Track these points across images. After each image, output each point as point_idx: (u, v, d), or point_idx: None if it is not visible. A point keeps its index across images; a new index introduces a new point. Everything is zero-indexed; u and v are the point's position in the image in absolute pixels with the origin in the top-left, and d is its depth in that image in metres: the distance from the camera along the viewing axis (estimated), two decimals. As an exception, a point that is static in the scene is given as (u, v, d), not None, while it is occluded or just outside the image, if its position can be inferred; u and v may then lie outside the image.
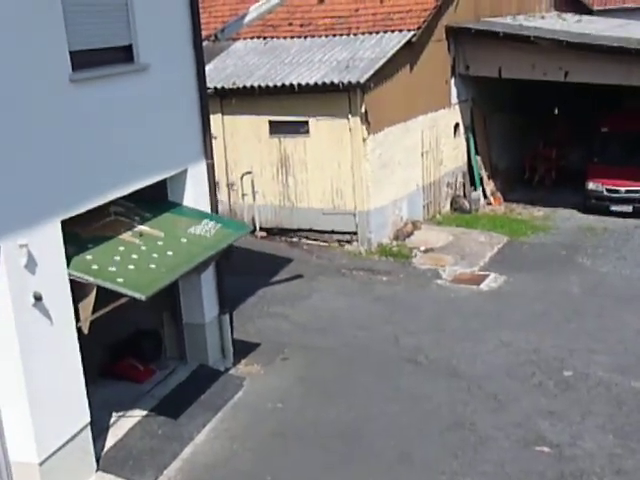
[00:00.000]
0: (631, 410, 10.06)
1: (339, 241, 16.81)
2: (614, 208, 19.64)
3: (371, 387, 10.77)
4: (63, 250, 8.00)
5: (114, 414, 9.75)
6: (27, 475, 7.90)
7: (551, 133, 23.56)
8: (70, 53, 7.98)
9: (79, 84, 8.14)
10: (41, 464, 7.87)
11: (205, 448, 9.33)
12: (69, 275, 8.07)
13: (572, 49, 18.24)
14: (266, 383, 10.89)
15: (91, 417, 8.59)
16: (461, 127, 20.15)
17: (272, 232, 17.29)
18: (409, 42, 16.89)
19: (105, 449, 9.08)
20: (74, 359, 8.31)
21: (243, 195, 17.26)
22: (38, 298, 7.62)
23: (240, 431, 9.69)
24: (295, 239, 17.12)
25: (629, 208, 19.52)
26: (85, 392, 8.48)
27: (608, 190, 19.76)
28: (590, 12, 28.33)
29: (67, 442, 8.19)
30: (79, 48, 8.12)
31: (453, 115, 19.74)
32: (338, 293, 14.33)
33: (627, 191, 19.61)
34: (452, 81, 19.53)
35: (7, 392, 7.71)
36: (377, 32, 17.47)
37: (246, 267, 14.38)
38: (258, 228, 17.01)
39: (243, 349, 11.68)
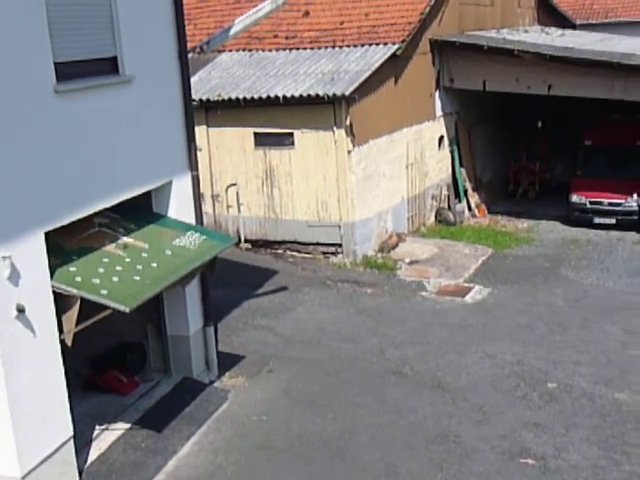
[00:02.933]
0: (615, 422, 10.11)
1: (324, 253, 16.81)
2: (597, 220, 19.79)
3: (356, 399, 10.76)
4: (47, 262, 7.96)
5: (97, 427, 9.69)
6: (9, 489, 7.85)
7: (535, 146, 23.71)
8: (55, 64, 7.98)
9: (64, 95, 8.13)
10: (23, 478, 7.80)
11: (189, 461, 9.28)
12: (53, 287, 8.03)
13: (555, 63, 18.42)
14: (251, 395, 10.86)
15: (74, 430, 8.53)
16: (445, 140, 20.27)
17: (257, 244, 17.28)
18: (394, 55, 16.99)
19: (88, 462, 9.01)
20: (57, 372, 8.26)
21: (228, 207, 17.27)
22: (21, 310, 7.58)
23: (224, 444, 9.65)
24: (280, 251, 17.11)
25: (612, 220, 19.68)
26: (68, 405, 8.42)
27: (591, 203, 19.92)
28: (573, 26, 28.67)
29: (50, 455, 8.13)
30: (64, 59, 8.13)
31: (438, 128, 19.85)
32: (323, 305, 14.33)
33: (610, 204, 19.77)
34: (437, 94, 19.65)
35: (-11, 405, 7.67)
36: (362, 45, 17.56)
37: (231, 279, 14.36)
38: (243, 240, 17.03)
39: (228, 361, 11.64)
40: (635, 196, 19.54)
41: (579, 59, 18.32)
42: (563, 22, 28.28)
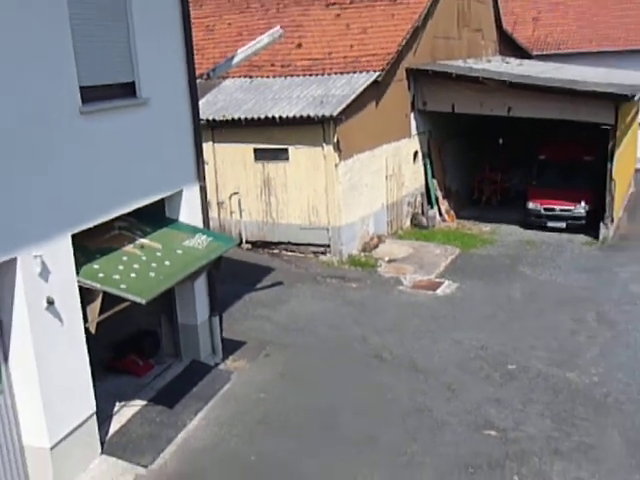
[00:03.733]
0: (566, 398, 10.17)
1: (314, 252, 16.82)
2: (550, 224, 19.88)
3: (343, 379, 10.78)
4: (73, 260, 7.96)
5: (117, 404, 9.68)
6: (39, 458, 7.83)
7: (496, 160, 23.79)
8: (80, 88, 7.97)
9: (88, 115, 8.12)
10: (52, 448, 7.81)
11: (197, 434, 9.28)
12: (78, 282, 8.04)
13: (514, 88, 18.50)
14: (251, 376, 10.86)
15: (97, 407, 8.53)
16: (419, 154, 20.29)
17: (256, 245, 17.28)
18: (375, 81, 17.02)
19: (109, 435, 9.01)
20: (82, 355, 8.25)
21: (231, 212, 17.28)
22: (51, 302, 7.58)
23: (228, 418, 9.65)
24: (276, 251, 17.11)
25: (563, 224, 19.78)
26: (91, 384, 8.42)
27: (545, 209, 20.01)
28: (530, 56, 28.82)
29: (75, 429, 8.13)
30: (88, 84, 8.12)
31: (413, 144, 19.88)
32: (313, 298, 14.34)
33: (561, 210, 19.88)
34: (412, 115, 19.67)
35: (22, 384, 7.65)
36: (347, 72, 17.58)
37: (234, 275, 14.35)
38: (244, 241, 17.03)
39: (231, 347, 11.64)
40: (583, 203, 19.66)
41: (535, 85, 18.42)
42: (521, 53, 28.43)
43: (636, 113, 24.52)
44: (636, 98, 19.07)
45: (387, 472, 8.45)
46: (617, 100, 17.77)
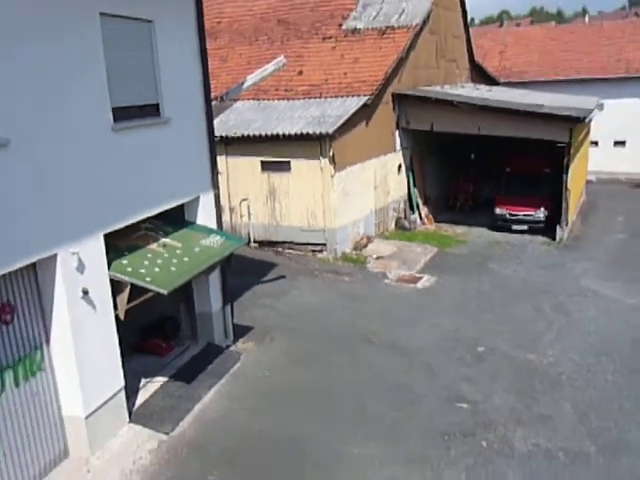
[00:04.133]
0: (527, 376, 10.19)
1: (312, 251, 16.82)
2: (514, 227, 19.88)
3: (336, 359, 10.79)
4: (105, 256, 7.97)
5: (142, 380, 9.68)
6: (75, 426, 7.85)
7: (469, 172, 23.82)
8: (112, 109, 7.98)
9: (119, 132, 8.13)
10: (86, 418, 7.82)
11: (211, 405, 9.29)
12: (109, 275, 8.04)
13: (484, 111, 18.55)
14: (258, 356, 10.87)
15: (125, 382, 8.53)
16: (403, 167, 20.29)
17: (262, 244, 17.26)
18: (365, 104, 17.01)
19: (135, 406, 9.01)
20: (112, 338, 8.26)
21: (241, 216, 17.27)
22: (85, 292, 7.60)
23: (238, 393, 9.66)
24: (280, 249, 17.10)
25: (525, 227, 19.80)
26: (120, 363, 8.43)
27: (510, 214, 20.02)
28: (497, 84, 28.86)
29: (106, 401, 8.13)
30: (119, 105, 8.13)
31: (397, 158, 19.89)
32: (312, 290, 14.34)
33: (524, 215, 19.90)
34: (396, 133, 19.66)
35: (61, 363, 7.66)
36: (342, 96, 17.58)
37: (243, 270, 14.35)
38: (252, 241, 17.04)
39: (240, 331, 11.64)
40: (542, 209, 19.69)
41: (501, 108, 18.47)
42: (490, 81, 28.44)
43: (587, 133, 24.61)
44: (587, 120, 19.19)
45: (374, 438, 8.45)
46: (571, 122, 17.85)
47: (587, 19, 54.85)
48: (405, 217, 20.26)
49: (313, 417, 8.96)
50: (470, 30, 26.08)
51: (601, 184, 30.41)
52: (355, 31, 19.94)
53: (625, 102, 30.66)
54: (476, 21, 79.65)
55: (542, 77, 32.33)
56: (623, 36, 33.23)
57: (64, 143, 7.20)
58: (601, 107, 23.16)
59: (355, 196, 17.38)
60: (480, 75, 27.62)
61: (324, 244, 16.70)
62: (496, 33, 40.88)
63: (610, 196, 27.11)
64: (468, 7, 24.57)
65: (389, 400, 9.41)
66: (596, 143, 30.63)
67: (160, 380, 9.75)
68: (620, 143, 32.29)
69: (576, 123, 18.00)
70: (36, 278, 7.33)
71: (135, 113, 8.61)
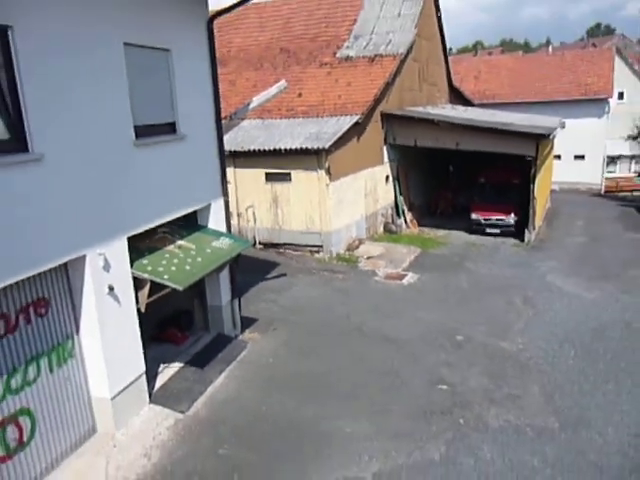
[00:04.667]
0: (499, 361, 10.22)
1: (310, 251, 16.83)
2: (488, 230, 19.94)
3: (332, 348, 10.79)
4: (128, 256, 7.96)
5: (161, 365, 9.67)
6: (102, 405, 7.84)
7: (448, 182, 23.92)
8: (134, 127, 7.98)
9: (140, 147, 8.13)
10: (112, 399, 7.81)
11: (222, 388, 9.29)
12: (132, 273, 8.03)
13: (461, 128, 18.62)
14: (262, 345, 10.87)
15: (145, 367, 8.52)
16: (390, 177, 20.34)
17: (266, 245, 17.26)
18: (357, 122, 17.04)
19: (155, 389, 9.00)
20: (134, 329, 8.25)
21: (247, 221, 17.25)
22: (111, 288, 7.59)
23: (245, 377, 9.66)
24: (282, 250, 17.11)
25: (497, 230, 19.86)
26: (142, 350, 8.41)
27: (484, 219, 20.08)
28: (473, 105, 28.94)
29: (129, 384, 8.12)
30: (140, 124, 8.12)
31: (385, 170, 19.93)
32: (310, 286, 14.34)
33: (496, 219, 19.96)
34: (384, 147, 19.71)
35: (90, 350, 7.66)
36: (336, 115, 17.61)
37: (249, 268, 14.36)
38: (257, 242, 17.02)
39: (247, 322, 11.63)
40: (512, 215, 19.75)
41: (476, 126, 18.53)
42: (466, 102, 28.54)
43: (551, 148, 24.70)
44: (551, 137, 19.29)
45: (365, 417, 8.47)
46: (537, 138, 17.93)
47: (551, 49, 55.10)
48: (392, 222, 20.30)
49: (312, 398, 8.96)
50: (448, 58, 26.15)
51: (564, 193, 30.55)
52: (348, 59, 19.99)
53: (584, 121, 30.83)
54: (454, 50, 79.80)
55: (512, 99, 32.47)
56: (582, 64, 33.41)
57: (92, 157, 7.20)
58: (563, 125, 23.27)
59: (348, 203, 17.40)
60: (457, 97, 27.70)
61: (321, 245, 16.71)
62: (471, 61, 41.06)
63: (572, 204, 27.23)
64: (446, 38, 24.70)
65: (378, 383, 9.41)
66: (559, 157, 30.78)
67: (176, 366, 9.74)
68: (580, 157, 32.46)
69: (541, 139, 18.08)
70: (67, 275, 7.33)
71: (154, 130, 8.60)
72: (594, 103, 31.16)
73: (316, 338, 11.20)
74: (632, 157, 30.28)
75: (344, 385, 9.35)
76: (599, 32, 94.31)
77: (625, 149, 29.96)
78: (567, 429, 8.11)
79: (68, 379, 7.51)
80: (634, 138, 26.52)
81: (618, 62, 32.74)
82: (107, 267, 7.50)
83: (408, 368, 9.93)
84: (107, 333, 7.60)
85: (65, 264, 7.16)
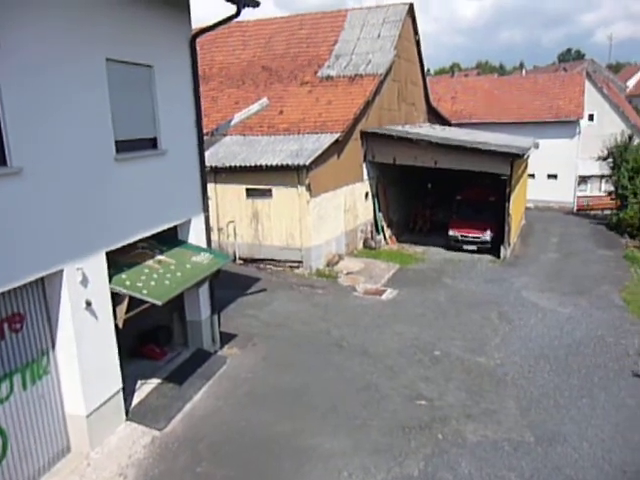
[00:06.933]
0: (476, 376, 10.25)
1: (291, 267, 16.78)
2: (465, 247, 20.15)
3: (311, 362, 10.72)
4: (106, 271, 7.82)
5: (139, 382, 9.48)
6: (77, 423, 7.63)
7: (426, 199, 24.14)
8: (115, 142, 7.90)
9: (121, 162, 8.04)
10: (87, 416, 7.61)
11: (200, 404, 9.13)
12: (110, 288, 7.89)
13: (439, 147, 18.86)
14: (241, 360, 10.74)
15: (123, 383, 8.33)
16: (370, 194, 20.47)
17: (247, 261, 17.17)
18: (337, 140, 17.16)
19: (132, 405, 8.81)
20: (112, 344, 8.08)
21: (228, 236, 17.16)
22: (89, 303, 7.44)
23: (224, 393, 9.51)
24: (262, 265, 17.02)
25: (474, 247, 20.07)
26: (119, 366, 8.23)
27: (462, 236, 20.29)
28: (450, 124, 29.41)
29: (106, 401, 7.93)
30: (121, 138, 8.05)
31: (365, 187, 20.05)
32: (290, 301, 14.27)
33: (473, 236, 20.18)
34: (364, 165, 19.85)
35: (65, 366, 7.46)
36: (317, 133, 17.71)
37: (229, 283, 14.24)
38: (237, 258, 16.92)
39: (226, 338, 11.50)
40: (488, 232, 20.00)
41: (453, 145, 18.79)
42: (443, 121, 28.99)
43: (525, 167, 25.20)
44: (525, 156, 19.66)
45: (344, 432, 8.39)
46: (512, 157, 18.24)
47: (524, 72, 56.52)
48: (371, 238, 20.38)
49: (291, 414, 8.86)
50: (426, 78, 26.60)
51: (538, 211, 31.08)
52: (328, 78, 20.19)
53: (556, 142, 31.54)
54: (431, 71, 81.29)
55: (487, 120, 33.09)
56: (554, 87, 34.27)
57: (72, 171, 7.10)
58: (537, 146, 23.77)
59: (328, 219, 17.43)
60: (435, 116, 28.13)
61: (301, 261, 16.67)
62: (448, 82, 41.81)
63: (545, 221, 27.71)
64: (425, 59, 25.13)
65: (357, 399, 9.35)
66: (533, 176, 31.39)
67: (154, 382, 9.55)
68: (553, 176, 33.12)
69: (516, 158, 18.41)
70: (44, 290, 7.16)
71: (135, 145, 8.52)
72: (566, 125, 31.93)
73: (296, 353, 11.11)
74: (602, 177, 31.01)
75: (323, 400, 9.27)
76: (570, 57, 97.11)
77: (595, 169, 30.69)
78: (543, 443, 8.14)
79: (42, 396, 7.29)
80: (604, 159, 27.16)
81: (588, 86, 33.66)
82: (85, 282, 7.35)
83: (387, 383, 9.89)
84: (84, 349, 7.43)
85: (42, 279, 7.00)
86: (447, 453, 7.90)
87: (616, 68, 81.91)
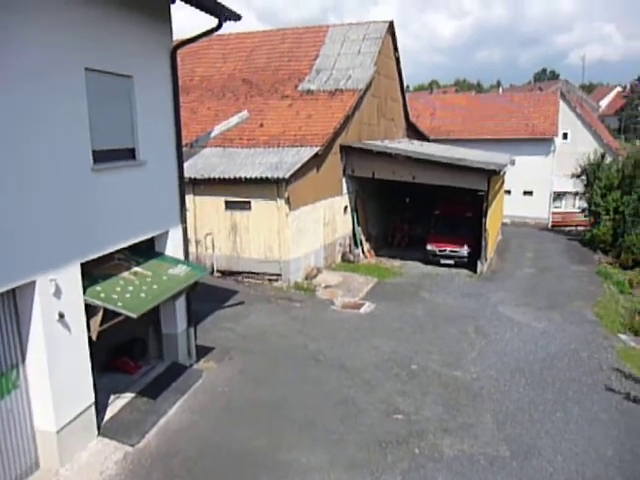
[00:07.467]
0: (453, 390, 10.30)
1: (269, 280, 16.72)
2: (443, 261, 20.34)
3: (288, 376, 10.66)
4: (80, 283, 7.69)
5: (112, 396, 9.29)
6: (47, 439, 7.43)
7: (405, 213, 24.35)
8: (93, 152, 7.83)
9: (98, 172, 7.96)
10: (58, 432, 7.42)
11: (175, 419, 8.98)
12: (84, 300, 7.76)
13: (417, 162, 19.10)
14: (218, 374, 10.62)
15: (95, 398, 8.15)
16: (349, 208, 20.57)
17: (224, 273, 17.05)
18: (316, 154, 17.25)
19: (104, 420, 8.62)
20: (84, 358, 7.92)
21: (206, 248, 17.04)
22: (61, 316, 7.30)
23: (199, 407, 9.39)
24: (240, 278, 16.93)
25: (452, 261, 20.29)
26: (91, 381, 8.06)
27: (439, 250, 20.50)
28: (428, 140, 29.83)
29: (77, 416, 7.75)
30: (99, 148, 7.98)
31: (344, 200, 20.16)
32: (267, 314, 14.20)
33: (450, 251, 20.41)
34: (343, 179, 19.97)
35: (36, 380, 7.28)
36: (296, 146, 17.79)
37: (206, 296, 14.11)
38: (215, 270, 16.80)
39: (203, 351, 11.37)
40: (465, 246, 20.25)
41: (432, 160, 19.05)
42: (422, 137, 29.39)
43: (502, 183, 25.66)
44: (501, 172, 20.04)
45: (321, 446, 8.34)
46: (489, 173, 18.57)
47: (501, 90, 57.84)
48: (350, 251, 20.44)
49: (267, 429, 8.77)
50: (406, 95, 26.98)
51: (514, 226, 31.60)
52: (309, 92, 20.36)
53: (532, 159, 32.23)
54: (411, 87, 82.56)
55: (465, 136, 33.67)
56: (530, 105, 35.11)
57: (48, 180, 7.00)
58: (513, 162, 24.27)
59: (307, 232, 17.45)
60: (414, 132, 28.51)
61: (279, 274, 16.63)
62: (427, 98, 42.50)
63: (521, 236, 28.18)
64: (404, 76, 25.52)
65: (334, 413, 9.32)
66: (509, 192, 31.96)
67: (128, 396, 9.37)
68: (528, 193, 33.79)
69: (493, 175, 18.74)
70: (15, 302, 7.00)
71: (113, 156, 8.45)
72: (541, 142, 32.68)
73: (273, 367, 11.04)
74: (576, 194, 31.76)
75: (300, 414, 9.21)
76: (545, 77, 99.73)
77: (570, 186, 31.42)
78: (518, 457, 8.21)
79: (11, 411, 7.09)
80: (577, 176, 27.85)
81: (562, 105, 34.57)
82: (58, 293, 7.22)
83: (364, 397, 9.88)
84: (55, 362, 7.27)
85: (13, 290, 6.85)
86: (424, 468, 7.91)
87: (589, 88, 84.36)
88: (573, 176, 28.22)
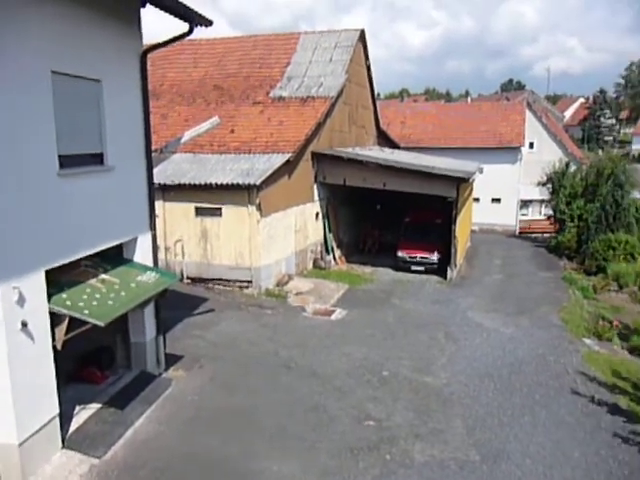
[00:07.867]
0: (424, 396, 10.39)
1: (239, 286, 16.59)
2: (413, 268, 20.56)
3: (259, 384, 10.58)
4: (45, 290, 7.49)
5: (77, 407, 9.05)
6: (8, 452, 7.17)
7: (376, 220, 24.53)
8: (59, 156, 7.65)
9: (64, 177, 7.78)
10: (20, 445, 7.18)
11: (142, 430, 8.81)
12: (49, 308, 7.55)
13: (388, 169, 19.31)
14: (187, 383, 10.47)
15: (60, 409, 7.93)
16: (320, 215, 20.62)
17: (194, 280, 16.85)
18: (288, 160, 17.25)
19: (69, 432, 8.38)
20: (49, 368, 7.70)
21: (176, 255, 16.82)
22: (24, 324, 7.10)
23: (167, 417, 9.23)
24: (210, 285, 16.75)
25: (422, 268, 20.51)
26: (56, 391, 7.84)
27: (409, 257, 20.71)
28: (399, 147, 30.15)
29: (40, 428, 7.52)
30: (65, 153, 7.80)
31: (315, 207, 20.19)
32: (238, 321, 14.09)
33: (421, 257, 20.65)
34: (315, 186, 20.01)
35: (-4, 392, 7.03)
36: (268, 153, 17.75)
37: (176, 303, 13.92)
38: (185, 277, 16.59)
39: (172, 360, 11.20)
40: (436, 253, 20.52)
41: (402, 168, 19.27)
42: (393, 145, 29.68)
43: (471, 191, 26.12)
44: (470, 180, 20.42)
45: (293, 454, 8.30)
46: (458, 181, 18.89)
47: (469, 99, 59.08)
48: (321, 258, 20.46)
49: (237, 437, 8.68)
50: (377, 103, 27.26)
51: (483, 233, 32.20)
52: (280, 99, 20.37)
53: (499, 167, 32.94)
54: (382, 95, 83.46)
55: (435, 144, 34.20)
56: (497, 115, 35.93)
57: (11, 185, 6.81)
58: (481, 170, 24.74)
59: (278, 239, 17.41)
60: (385, 140, 28.79)
61: (250, 281, 16.53)
62: (398, 106, 43.09)
63: (490, 243, 28.72)
64: (375, 84, 25.80)
65: (306, 420, 9.29)
66: (478, 200, 32.57)
67: (94, 407, 9.15)
68: (496, 200, 34.50)
69: (461, 182, 19.08)
70: (-25, 311, 6.78)
71: (81, 161, 8.28)
72: (508, 151, 33.45)
73: (243, 374, 10.94)
74: (542, 201, 32.60)
75: (271, 422, 9.15)
76: (512, 87, 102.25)
77: (536, 194, 32.22)
78: (488, 461, 8.33)
79: (-30, 424, 6.85)
80: (543, 184, 28.60)
81: (529, 115, 35.50)
82: (21, 301, 7.01)
83: (335, 404, 9.88)
84: (17, 373, 7.04)
85: (-27, 298, 6.64)
86: (395, 474, 7.94)
87: (553, 99, 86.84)
88: (539, 184, 28.97)
